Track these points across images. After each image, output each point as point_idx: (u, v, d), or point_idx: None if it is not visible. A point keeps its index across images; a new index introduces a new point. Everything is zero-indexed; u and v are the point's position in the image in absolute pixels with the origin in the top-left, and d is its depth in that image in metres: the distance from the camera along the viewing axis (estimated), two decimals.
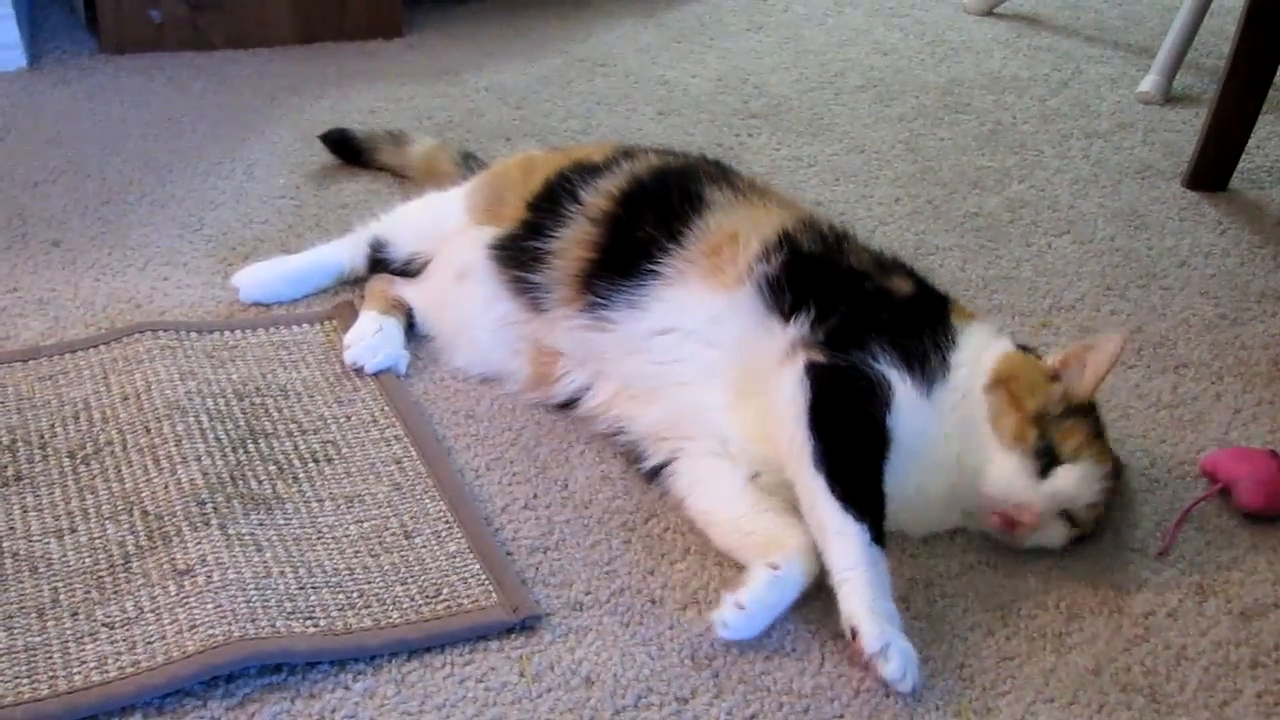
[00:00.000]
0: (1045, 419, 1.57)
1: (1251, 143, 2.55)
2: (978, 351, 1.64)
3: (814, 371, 1.57)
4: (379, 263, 2.02)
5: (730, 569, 1.56)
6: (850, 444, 1.54)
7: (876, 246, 1.84)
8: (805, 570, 1.49)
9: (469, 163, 2.23)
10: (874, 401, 1.56)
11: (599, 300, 1.74)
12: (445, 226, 1.97)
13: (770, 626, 1.47)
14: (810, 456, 1.51)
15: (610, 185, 1.83)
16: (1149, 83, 2.92)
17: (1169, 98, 2.91)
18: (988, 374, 1.62)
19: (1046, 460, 1.56)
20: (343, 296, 2.02)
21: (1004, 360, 1.64)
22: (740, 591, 1.47)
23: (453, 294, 1.90)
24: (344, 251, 2.06)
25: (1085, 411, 1.61)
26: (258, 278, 2.02)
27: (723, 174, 1.89)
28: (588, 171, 1.87)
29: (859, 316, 1.64)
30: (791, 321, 1.64)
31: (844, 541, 1.46)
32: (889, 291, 1.70)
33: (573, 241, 1.79)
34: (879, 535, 1.48)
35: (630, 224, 1.77)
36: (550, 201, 1.85)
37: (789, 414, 1.55)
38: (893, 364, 1.59)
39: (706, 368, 1.67)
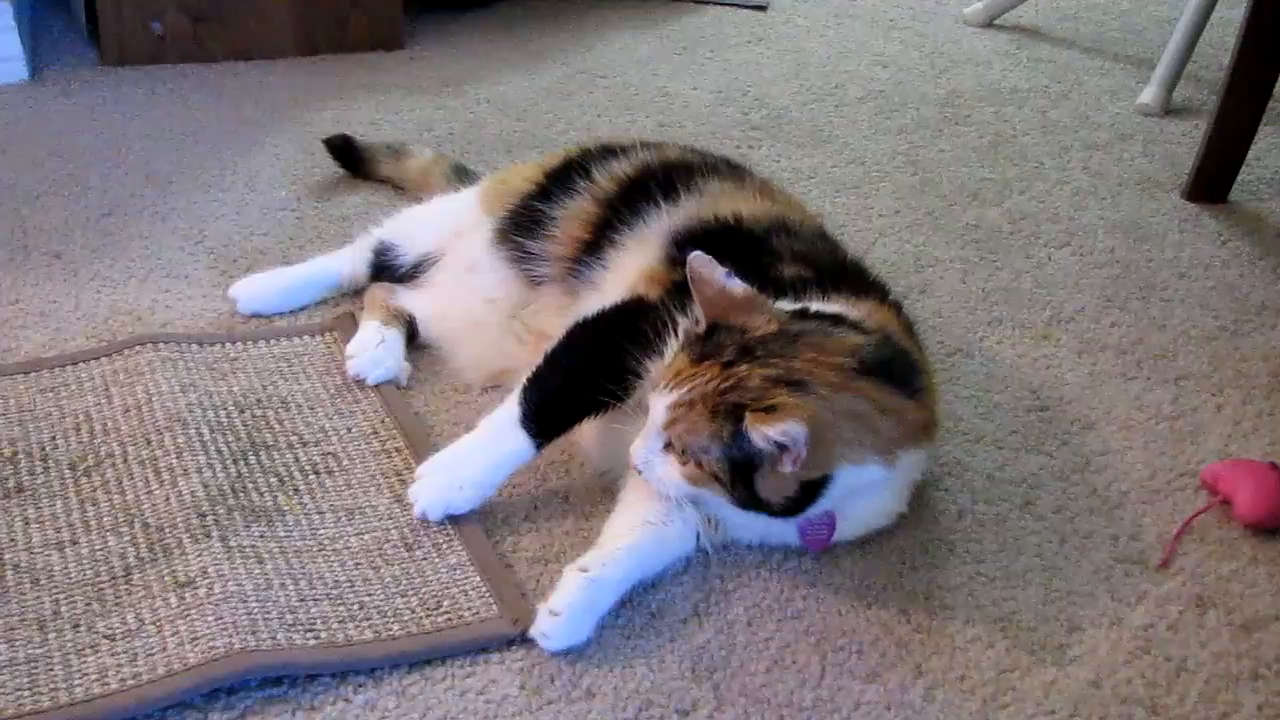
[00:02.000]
0: None
1: (1251, 155, 2.55)
2: None
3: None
4: (384, 268, 2.02)
5: (732, 581, 1.56)
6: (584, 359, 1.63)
7: (875, 260, 1.84)
8: (621, 571, 1.50)
9: (460, 176, 2.23)
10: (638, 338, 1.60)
11: (579, 271, 1.80)
12: (459, 223, 1.99)
13: (597, 629, 1.47)
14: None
15: (621, 169, 1.87)
16: (1149, 94, 2.92)
17: (1169, 110, 2.92)
18: None
19: None
20: (343, 308, 2.03)
21: None
22: (552, 598, 1.47)
23: (461, 288, 1.92)
24: (343, 262, 2.07)
25: None
26: (256, 289, 2.03)
27: (732, 171, 1.93)
28: (608, 153, 1.92)
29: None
30: None
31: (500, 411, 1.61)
32: (780, 280, 1.68)
33: (574, 216, 1.84)
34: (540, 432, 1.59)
35: (623, 205, 1.82)
36: (564, 173, 1.90)
37: None
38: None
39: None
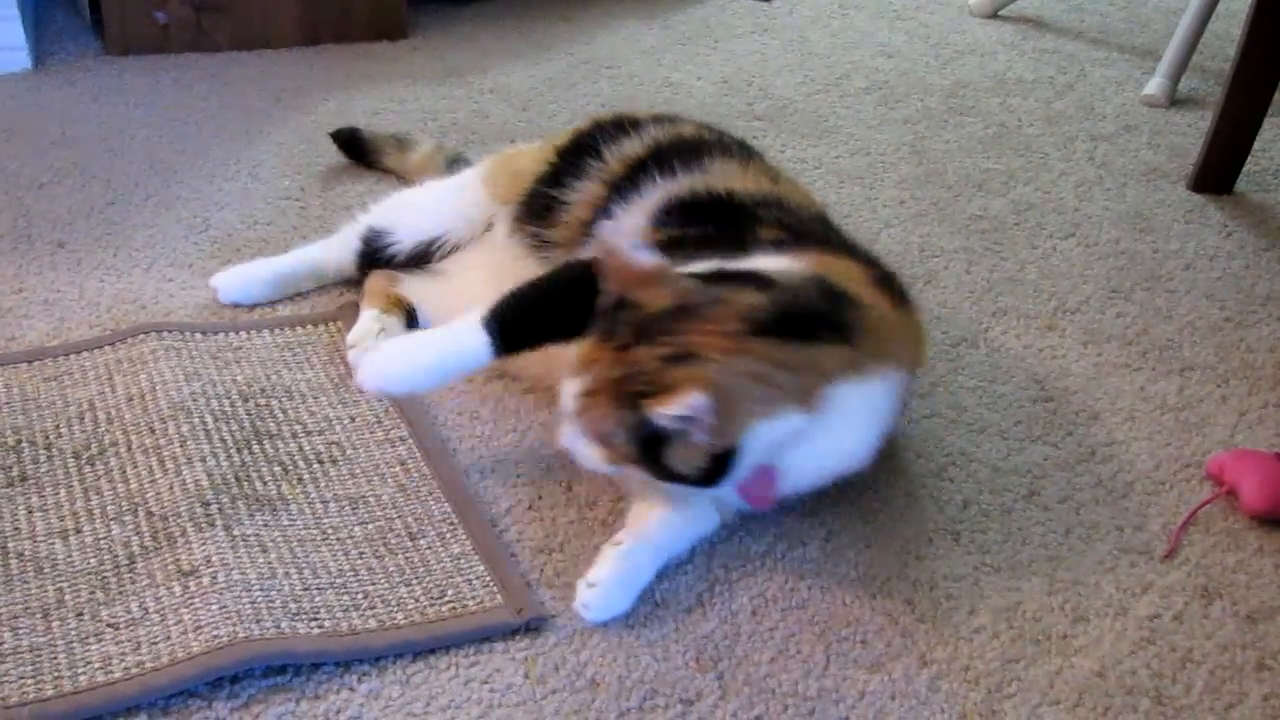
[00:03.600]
0: None
1: (1257, 146, 2.54)
2: None
3: None
4: (375, 256, 2.00)
5: (736, 571, 1.56)
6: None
7: (881, 250, 1.83)
8: (653, 543, 1.54)
9: (455, 167, 2.22)
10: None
11: (581, 248, 1.79)
12: (465, 207, 1.98)
13: (639, 600, 1.50)
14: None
15: (632, 149, 1.87)
16: (1154, 85, 2.91)
17: (1174, 100, 2.91)
18: None
19: None
20: (348, 298, 2.02)
21: None
22: (590, 572, 1.50)
23: (477, 275, 1.91)
24: (328, 252, 2.05)
25: None
26: (237, 279, 2.02)
27: (742, 151, 1.92)
28: (619, 130, 1.91)
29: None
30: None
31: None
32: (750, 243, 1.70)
33: (583, 200, 1.84)
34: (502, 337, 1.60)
35: (627, 184, 1.82)
36: (575, 153, 1.89)
37: None
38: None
39: None
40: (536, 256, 1.86)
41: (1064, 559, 1.62)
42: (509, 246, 1.90)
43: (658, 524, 1.56)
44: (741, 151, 1.92)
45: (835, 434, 1.55)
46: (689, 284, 1.52)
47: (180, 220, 2.23)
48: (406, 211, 2.03)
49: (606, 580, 1.49)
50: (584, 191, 1.85)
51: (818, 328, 1.52)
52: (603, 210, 1.82)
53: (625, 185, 1.83)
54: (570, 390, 1.50)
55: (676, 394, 1.39)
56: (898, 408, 1.66)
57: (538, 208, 1.88)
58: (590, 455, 1.51)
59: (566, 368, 1.53)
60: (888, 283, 1.68)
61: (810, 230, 1.75)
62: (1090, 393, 1.93)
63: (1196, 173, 2.54)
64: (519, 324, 1.62)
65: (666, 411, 1.39)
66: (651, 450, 1.45)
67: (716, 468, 1.47)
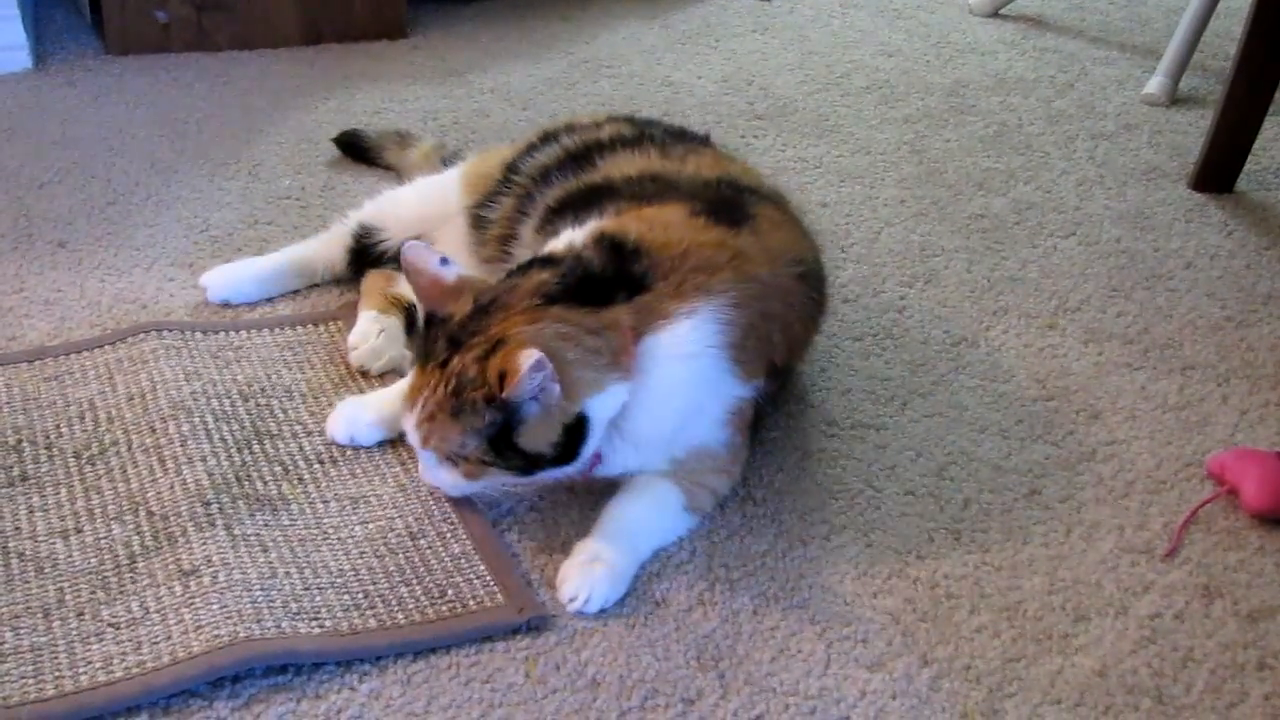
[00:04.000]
0: None
1: (1257, 144, 2.54)
2: None
3: None
4: (366, 253, 2.01)
5: (737, 570, 1.56)
6: None
7: (881, 249, 1.83)
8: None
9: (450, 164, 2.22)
10: None
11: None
12: (445, 204, 1.99)
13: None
14: None
15: (542, 159, 1.90)
16: (1155, 84, 2.91)
17: (1175, 99, 2.91)
18: None
19: None
20: (348, 297, 2.02)
21: None
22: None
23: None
24: (316, 250, 2.06)
25: None
26: (226, 278, 2.02)
27: (677, 141, 1.91)
28: (545, 141, 1.94)
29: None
30: None
31: None
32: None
33: (501, 215, 1.88)
34: None
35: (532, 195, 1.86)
36: (509, 170, 1.93)
37: None
38: None
39: None
40: (483, 269, 1.86)
41: (1065, 558, 1.62)
42: (467, 245, 1.94)
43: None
44: (674, 141, 1.91)
45: (666, 381, 1.55)
46: (482, 283, 1.56)
47: (181, 220, 2.23)
48: (396, 209, 2.03)
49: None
50: (504, 207, 1.89)
51: (611, 290, 1.54)
52: (514, 222, 1.86)
53: (530, 195, 1.86)
54: (410, 423, 1.52)
55: (511, 363, 1.41)
56: (748, 329, 1.59)
57: (475, 221, 1.92)
58: (450, 479, 1.55)
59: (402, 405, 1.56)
60: (721, 210, 1.67)
61: (663, 191, 1.73)
62: (1091, 392, 1.93)
63: (1197, 171, 2.54)
64: None
65: (519, 380, 1.41)
66: (505, 443, 1.48)
67: (571, 440, 1.49)
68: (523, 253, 1.79)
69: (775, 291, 1.65)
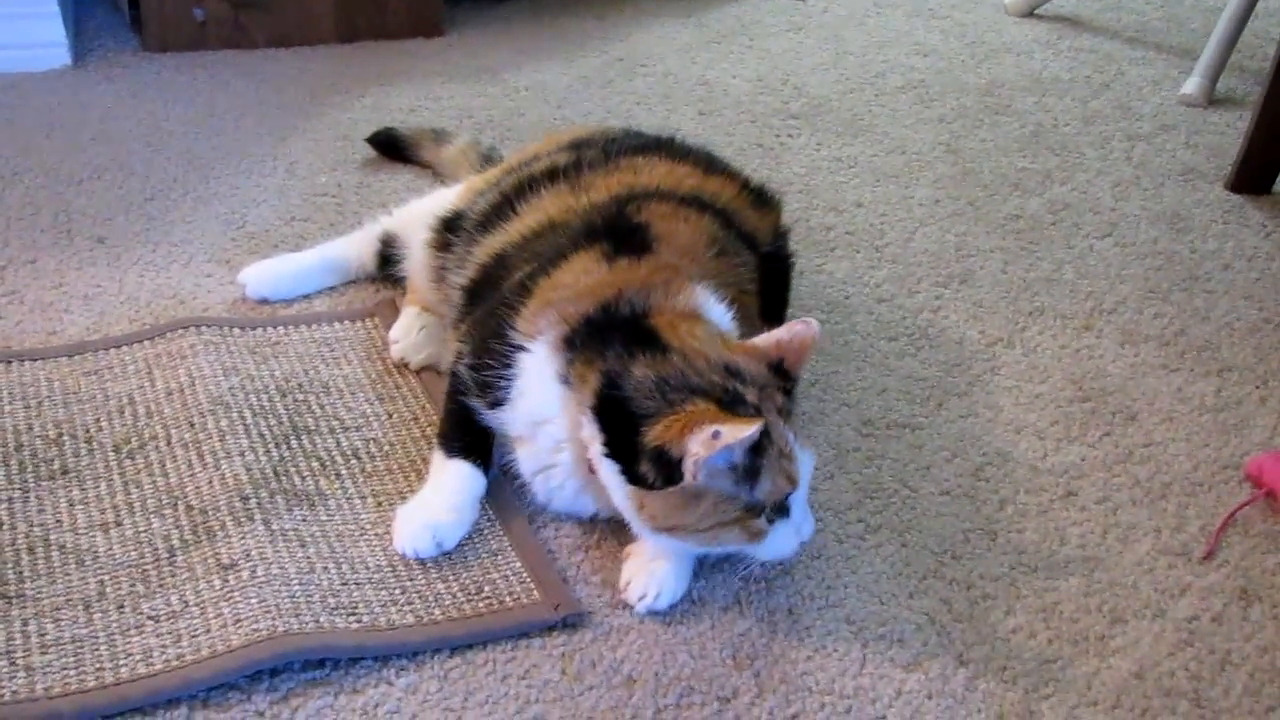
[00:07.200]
0: None
1: None
2: None
3: None
4: (390, 259, 2.02)
5: (773, 570, 1.56)
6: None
7: (916, 249, 1.82)
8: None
9: (490, 164, 2.22)
10: None
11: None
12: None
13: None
14: None
15: (481, 207, 1.89)
16: (1192, 85, 2.90)
17: (1212, 100, 2.89)
18: None
19: None
20: (385, 294, 2.03)
21: None
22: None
23: None
24: (351, 248, 2.07)
25: None
26: (264, 274, 2.03)
27: (580, 164, 1.85)
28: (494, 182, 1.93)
29: None
30: None
31: None
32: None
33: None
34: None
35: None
36: (457, 216, 1.93)
37: None
38: None
39: None
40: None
41: (1101, 560, 1.61)
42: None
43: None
44: (607, 158, 1.85)
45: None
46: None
47: (218, 216, 2.25)
48: (410, 220, 2.03)
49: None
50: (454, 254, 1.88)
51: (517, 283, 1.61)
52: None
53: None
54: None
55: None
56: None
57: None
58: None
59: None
60: (621, 237, 1.64)
61: (560, 241, 1.69)
62: (1128, 393, 1.92)
63: (1234, 173, 2.53)
64: (478, 441, 1.62)
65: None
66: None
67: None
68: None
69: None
